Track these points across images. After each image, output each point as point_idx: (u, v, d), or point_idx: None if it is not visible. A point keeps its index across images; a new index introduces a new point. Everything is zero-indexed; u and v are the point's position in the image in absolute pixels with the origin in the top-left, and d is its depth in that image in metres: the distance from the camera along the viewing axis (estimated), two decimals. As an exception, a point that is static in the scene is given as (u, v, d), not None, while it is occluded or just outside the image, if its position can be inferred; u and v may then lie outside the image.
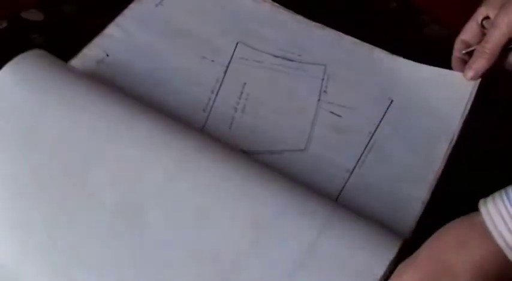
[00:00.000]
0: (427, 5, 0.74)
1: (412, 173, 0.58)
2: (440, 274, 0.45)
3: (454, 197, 0.58)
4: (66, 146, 0.53)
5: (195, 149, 0.52)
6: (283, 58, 0.66)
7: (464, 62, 0.64)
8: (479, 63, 0.62)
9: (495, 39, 0.61)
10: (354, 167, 0.59)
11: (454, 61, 0.65)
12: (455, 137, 0.60)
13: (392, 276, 0.47)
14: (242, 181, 0.51)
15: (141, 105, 0.55)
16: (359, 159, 0.59)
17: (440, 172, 0.58)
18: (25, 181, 0.52)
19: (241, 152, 0.55)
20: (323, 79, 0.64)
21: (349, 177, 0.58)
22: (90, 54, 0.63)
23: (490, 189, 0.58)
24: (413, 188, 0.57)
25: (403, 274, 0.46)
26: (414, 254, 0.47)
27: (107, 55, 0.64)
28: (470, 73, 0.62)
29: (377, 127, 0.61)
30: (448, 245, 0.46)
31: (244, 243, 0.49)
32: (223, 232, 0.49)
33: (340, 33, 0.68)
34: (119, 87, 0.59)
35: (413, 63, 0.66)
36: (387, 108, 0.63)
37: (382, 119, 0.62)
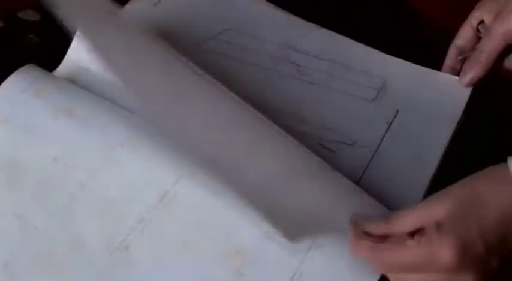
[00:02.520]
0: (423, 6, 0.74)
1: (408, 175, 0.58)
2: (471, 200, 0.46)
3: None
4: (50, 183, 0.53)
5: (176, 182, 0.52)
6: (279, 59, 0.66)
7: (455, 69, 0.64)
8: (475, 71, 0.62)
9: (490, 48, 0.61)
10: (360, 177, 0.58)
11: (445, 69, 0.65)
12: (449, 139, 0.60)
13: (420, 206, 0.48)
14: (224, 211, 0.51)
15: (122, 134, 0.55)
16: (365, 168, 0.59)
17: (434, 172, 0.58)
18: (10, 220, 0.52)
19: (223, 174, 0.53)
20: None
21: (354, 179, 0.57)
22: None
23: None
24: (409, 189, 0.57)
25: (433, 202, 0.47)
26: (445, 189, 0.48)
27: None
28: (465, 79, 0.63)
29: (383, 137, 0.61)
30: (482, 179, 0.47)
31: (229, 273, 0.49)
32: (207, 264, 0.50)
33: (336, 34, 0.68)
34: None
35: (409, 63, 0.66)
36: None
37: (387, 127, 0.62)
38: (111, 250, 0.51)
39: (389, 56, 0.66)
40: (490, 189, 0.46)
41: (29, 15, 0.68)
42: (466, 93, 0.63)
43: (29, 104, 0.55)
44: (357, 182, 0.57)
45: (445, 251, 0.45)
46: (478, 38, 0.63)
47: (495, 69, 0.63)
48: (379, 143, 0.60)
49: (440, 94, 0.63)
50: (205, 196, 0.52)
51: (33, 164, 0.54)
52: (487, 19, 0.62)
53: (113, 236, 0.51)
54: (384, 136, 0.60)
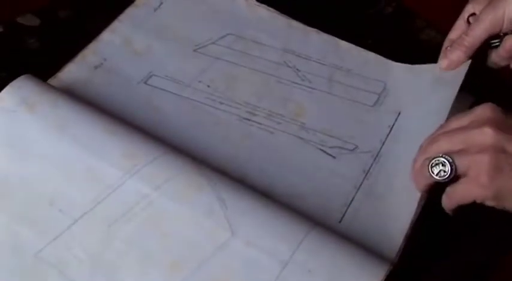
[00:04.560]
0: (422, 10, 0.74)
1: (409, 179, 0.57)
2: None
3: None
4: (36, 206, 0.53)
5: (164, 202, 0.52)
6: (279, 64, 0.66)
7: None
8: (455, 54, 0.61)
9: (476, 33, 0.60)
10: (361, 183, 0.58)
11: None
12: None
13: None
14: (213, 231, 0.51)
15: (111, 153, 0.54)
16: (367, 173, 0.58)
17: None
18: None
19: (213, 195, 0.53)
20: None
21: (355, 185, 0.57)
22: (86, 59, 0.64)
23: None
24: (408, 195, 0.56)
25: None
26: None
27: (104, 60, 0.64)
28: (444, 62, 0.62)
29: (384, 142, 0.61)
30: None
31: None
32: None
33: (336, 39, 0.68)
34: (108, 101, 0.60)
35: (409, 66, 0.66)
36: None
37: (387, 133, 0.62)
38: (100, 273, 0.51)
39: (389, 61, 0.66)
40: None
41: (29, 20, 0.68)
42: (460, 76, 0.61)
43: (20, 121, 0.55)
44: (358, 189, 0.57)
45: (487, 108, 0.51)
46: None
47: (499, 75, 0.63)
48: (380, 148, 0.60)
49: (437, 82, 0.62)
50: (195, 211, 0.51)
51: (22, 182, 0.54)
52: (478, 11, 0.61)
53: (100, 258, 0.51)
54: (384, 141, 0.60)
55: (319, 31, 0.68)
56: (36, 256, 0.51)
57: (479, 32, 0.60)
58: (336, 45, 0.67)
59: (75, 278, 0.50)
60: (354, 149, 0.60)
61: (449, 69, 0.62)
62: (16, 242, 0.52)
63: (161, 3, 0.69)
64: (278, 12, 0.69)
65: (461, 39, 0.61)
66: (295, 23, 0.69)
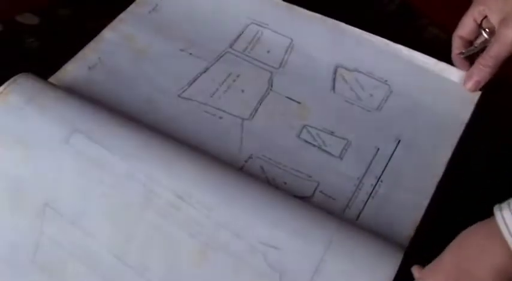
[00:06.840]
0: (425, 8, 0.74)
1: (414, 178, 0.57)
2: (464, 279, 0.47)
3: (454, 202, 0.58)
4: (36, 206, 0.53)
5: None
6: (281, 63, 0.65)
7: (465, 60, 0.63)
8: (480, 76, 0.61)
9: (498, 54, 0.60)
10: (363, 176, 0.57)
11: (455, 59, 0.64)
12: (456, 142, 0.59)
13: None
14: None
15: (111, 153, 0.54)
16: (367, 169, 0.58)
17: (440, 177, 0.57)
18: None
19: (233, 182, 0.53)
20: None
21: (358, 186, 0.57)
22: (86, 58, 0.63)
23: (488, 195, 0.58)
24: (414, 193, 0.56)
25: (429, 278, 0.48)
26: (437, 260, 0.49)
27: (105, 58, 0.63)
28: (470, 84, 0.62)
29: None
30: (470, 253, 0.48)
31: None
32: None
33: (342, 27, 0.67)
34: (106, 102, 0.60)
35: (417, 54, 0.65)
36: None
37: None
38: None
39: (397, 48, 0.65)
40: (480, 264, 0.47)
41: (28, 18, 0.68)
42: (476, 93, 0.62)
43: (28, 120, 0.55)
44: (361, 189, 0.57)
45: None
46: (478, 30, 0.62)
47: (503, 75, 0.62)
48: (384, 148, 0.59)
49: (449, 92, 0.62)
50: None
51: (34, 183, 0.53)
52: (493, 18, 0.61)
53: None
54: (388, 141, 0.60)
55: (324, 17, 0.67)
56: (35, 258, 0.51)
57: (501, 52, 0.60)
58: (342, 32, 0.66)
59: (75, 279, 0.50)
60: (356, 149, 0.59)
61: (476, 90, 0.62)
62: (14, 243, 0.52)
63: (161, 1, 0.68)
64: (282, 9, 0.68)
65: (484, 60, 0.60)
66: (298, 21, 0.68)
